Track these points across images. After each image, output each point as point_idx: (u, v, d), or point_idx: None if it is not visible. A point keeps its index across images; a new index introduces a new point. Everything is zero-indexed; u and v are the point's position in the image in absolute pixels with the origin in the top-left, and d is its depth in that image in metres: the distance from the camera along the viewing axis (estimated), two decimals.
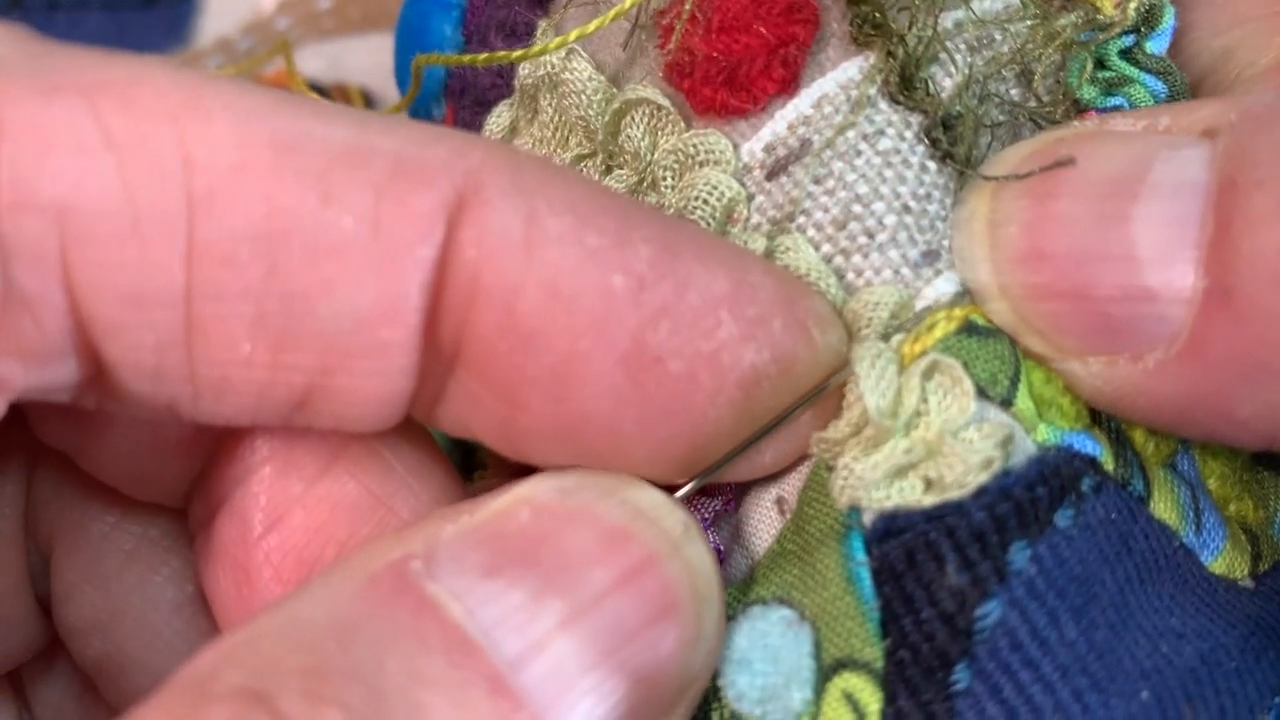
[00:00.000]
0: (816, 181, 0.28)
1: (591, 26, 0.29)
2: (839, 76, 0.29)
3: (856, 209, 0.28)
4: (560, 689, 0.23)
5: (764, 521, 0.28)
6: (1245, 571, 0.28)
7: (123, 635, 0.31)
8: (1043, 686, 0.24)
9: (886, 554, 0.25)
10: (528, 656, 0.23)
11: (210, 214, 0.23)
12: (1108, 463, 0.26)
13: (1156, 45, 0.29)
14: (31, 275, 0.23)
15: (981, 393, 0.26)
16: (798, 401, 0.26)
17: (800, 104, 0.29)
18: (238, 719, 0.21)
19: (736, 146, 0.29)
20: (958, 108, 0.28)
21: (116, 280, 0.23)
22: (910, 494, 0.25)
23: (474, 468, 0.33)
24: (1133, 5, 0.29)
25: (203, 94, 0.24)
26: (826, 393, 0.26)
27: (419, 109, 0.35)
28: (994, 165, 0.27)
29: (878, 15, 0.28)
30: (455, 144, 0.25)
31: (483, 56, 0.30)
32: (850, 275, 0.27)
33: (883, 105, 0.28)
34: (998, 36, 0.29)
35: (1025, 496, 0.25)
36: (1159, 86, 0.29)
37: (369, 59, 0.53)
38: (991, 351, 0.26)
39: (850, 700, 0.25)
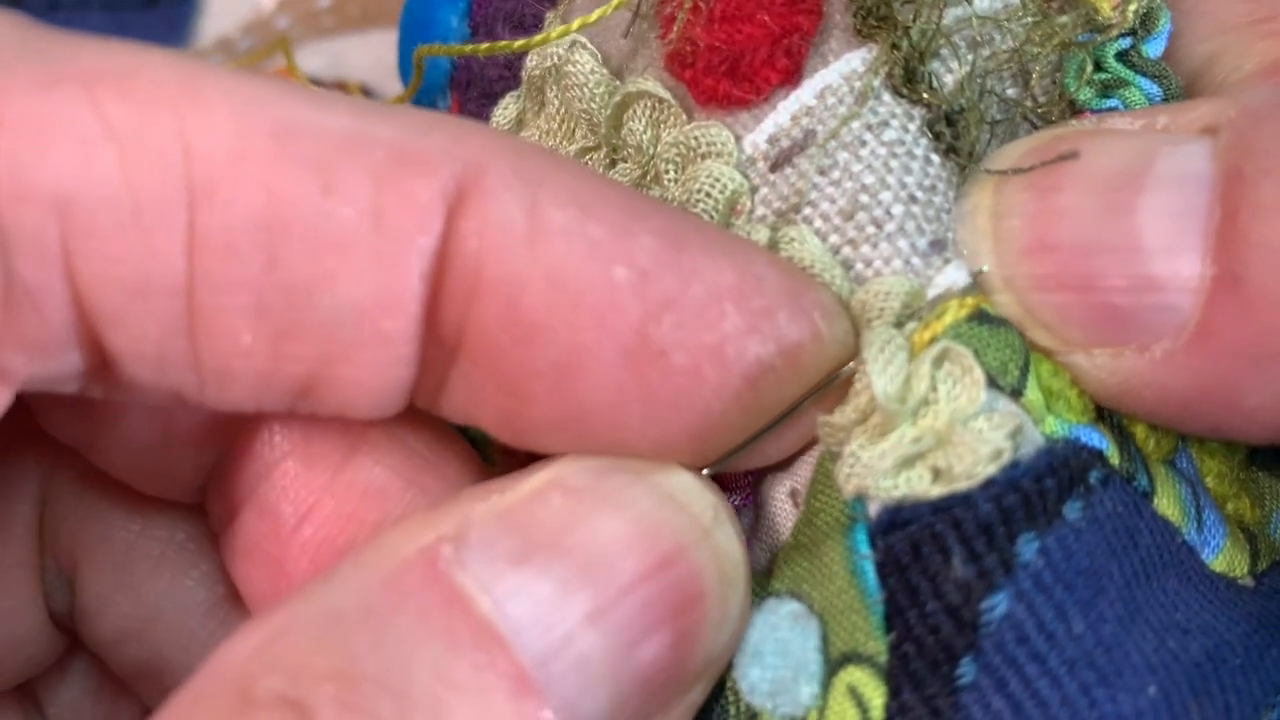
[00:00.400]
0: (822, 172, 0.28)
1: (594, 16, 0.29)
2: (842, 68, 0.29)
3: (864, 199, 0.27)
4: (583, 685, 0.23)
5: (779, 514, 0.28)
6: (1245, 570, 0.28)
7: (160, 641, 0.32)
8: (1049, 681, 0.24)
9: (891, 546, 0.25)
10: (553, 653, 0.23)
11: (211, 203, 0.23)
12: (1113, 457, 0.26)
13: (1153, 48, 0.29)
14: (33, 266, 0.23)
15: (992, 382, 0.25)
16: (806, 393, 0.26)
17: (803, 95, 0.28)
18: None
19: (739, 138, 0.29)
20: (961, 102, 0.28)
21: (118, 270, 0.23)
22: (918, 484, 0.25)
23: (482, 458, 0.32)
24: (1132, 7, 0.29)
25: (202, 83, 0.24)
26: (835, 384, 0.26)
27: (423, 102, 0.35)
28: (996, 160, 0.27)
29: (882, 7, 0.28)
30: (455, 131, 0.25)
31: (484, 46, 0.30)
32: (859, 266, 0.27)
33: (886, 97, 0.28)
34: (996, 35, 0.29)
35: (1034, 488, 0.25)
36: (1154, 90, 0.29)
37: (369, 56, 0.53)
38: (1003, 340, 0.26)
39: (855, 694, 0.25)
